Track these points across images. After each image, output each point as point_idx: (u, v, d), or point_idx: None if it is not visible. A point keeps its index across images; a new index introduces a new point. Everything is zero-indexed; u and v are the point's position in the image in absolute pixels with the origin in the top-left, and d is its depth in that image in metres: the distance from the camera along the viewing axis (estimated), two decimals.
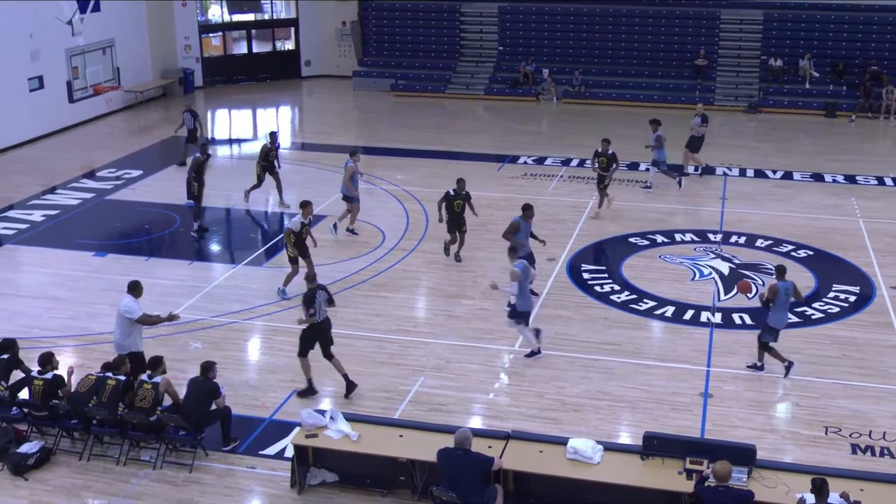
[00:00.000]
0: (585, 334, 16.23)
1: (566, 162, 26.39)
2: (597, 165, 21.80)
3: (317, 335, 14.00)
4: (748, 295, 16.93)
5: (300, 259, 17.35)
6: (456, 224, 19.16)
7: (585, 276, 18.71)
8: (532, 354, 15.28)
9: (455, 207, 19.00)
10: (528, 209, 17.64)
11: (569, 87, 34.73)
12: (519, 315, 15.13)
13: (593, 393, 14.30)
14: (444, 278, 18.54)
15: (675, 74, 34.89)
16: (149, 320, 13.65)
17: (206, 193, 21.08)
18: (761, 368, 14.85)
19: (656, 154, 23.50)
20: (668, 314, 16.96)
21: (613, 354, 15.50)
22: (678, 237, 20.76)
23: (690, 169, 25.28)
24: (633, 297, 17.67)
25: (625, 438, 13.11)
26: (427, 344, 15.90)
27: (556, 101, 34.62)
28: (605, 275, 18.76)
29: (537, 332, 15.38)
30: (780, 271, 14.66)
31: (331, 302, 14.66)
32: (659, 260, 19.50)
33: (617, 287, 18.14)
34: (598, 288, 18.13)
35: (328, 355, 14.09)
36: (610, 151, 21.70)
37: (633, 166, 25.74)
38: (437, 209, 19.18)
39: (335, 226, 20.69)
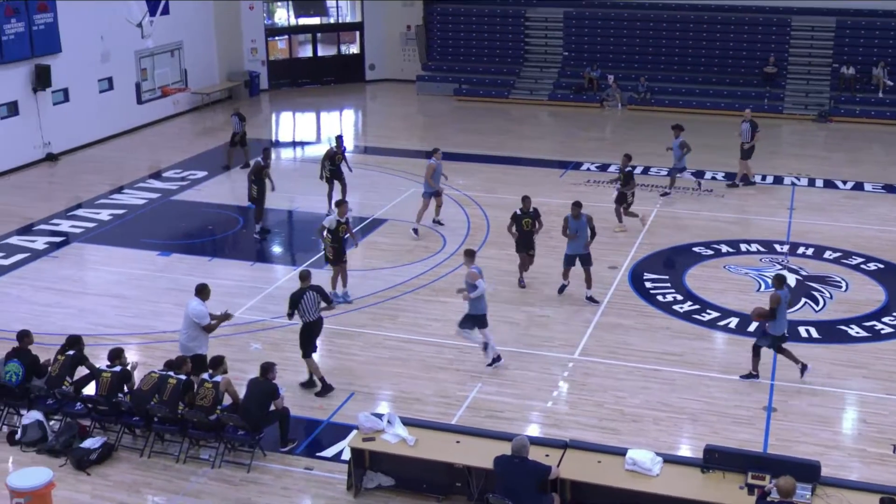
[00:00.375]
0: (646, 344, 16.09)
1: (622, 169, 26.11)
2: (618, 184, 21.29)
3: (307, 335, 14.31)
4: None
5: (337, 264, 17.42)
6: (525, 244, 18.23)
7: (648, 285, 18.55)
8: (494, 361, 15.23)
9: (524, 226, 18.12)
10: (576, 206, 17.58)
11: (634, 93, 34.48)
12: (471, 319, 15.09)
13: (653, 404, 14.17)
14: (503, 284, 18.50)
15: (744, 82, 34.42)
16: (212, 328, 13.92)
17: (268, 196, 21.32)
18: (756, 377, 14.75)
19: (676, 161, 23.49)
20: (732, 325, 16.73)
21: (675, 365, 15.34)
22: (744, 247, 20.48)
23: (755, 178, 24.98)
24: (696, 307, 17.47)
25: (685, 451, 12.96)
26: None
27: (620, 108, 34.39)
28: (668, 284, 18.58)
29: (486, 346, 15.37)
30: (780, 280, 14.64)
31: (328, 302, 14.63)
32: (723, 270, 19.25)
33: (680, 297, 17.96)
34: (660, 297, 17.97)
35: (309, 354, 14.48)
36: (628, 169, 21.18)
37: (699, 174, 25.45)
38: (508, 233, 18.29)
39: (416, 230, 21.11)
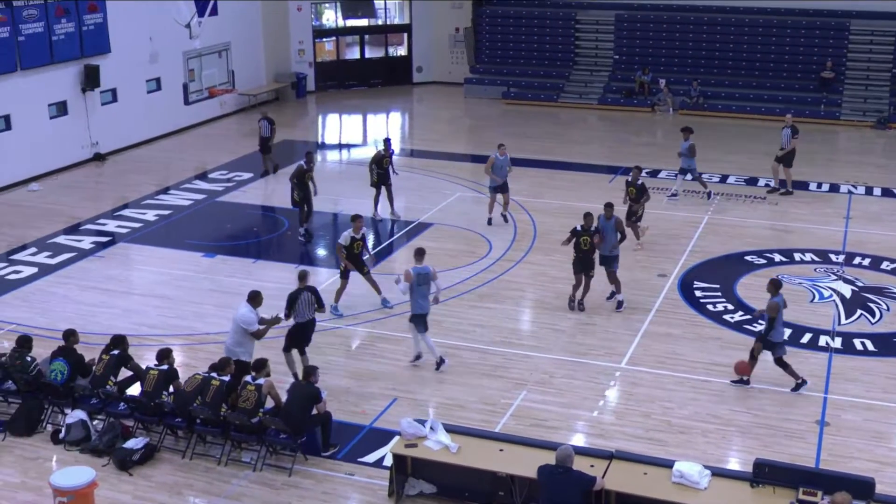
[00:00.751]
0: (696, 354, 15.94)
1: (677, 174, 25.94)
2: (627, 197, 20.47)
3: (300, 334, 14.60)
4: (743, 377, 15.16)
5: (356, 273, 17.42)
6: (583, 265, 17.36)
7: (698, 293, 18.38)
8: (440, 364, 15.31)
9: (582, 245, 17.26)
10: (608, 207, 17.62)
11: (686, 98, 34.20)
12: (413, 318, 15.25)
13: (702, 415, 14.03)
14: (549, 291, 18.43)
15: (799, 87, 33.99)
16: (260, 334, 14.05)
17: (313, 198, 21.46)
18: (805, 382, 14.67)
19: (684, 163, 23.47)
20: (784, 337, 16.49)
21: (724, 376, 15.17)
22: (797, 256, 20.21)
23: (773, 183, 24.76)
24: (748, 317, 17.26)
25: (734, 464, 12.83)
26: (530, 357, 15.84)
27: (672, 113, 34.12)
28: (719, 293, 18.39)
29: (418, 357, 15.46)
30: (775, 286, 14.66)
31: (319, 305, 14.75)
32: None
33: (731, 306, 17.77)
34: (710, 306, 17.79)
35: (301, 352, 14.79)
36: (640, 182, 20.44)
37: (752, 181, 25.17)
38: (562, 245, 17.77)
39: (490, 220, 21.80)
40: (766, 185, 24.77)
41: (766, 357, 15.97)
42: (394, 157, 23.07)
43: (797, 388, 14.63)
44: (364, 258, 17.62)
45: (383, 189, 22.48)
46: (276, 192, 24.91)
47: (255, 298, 14.18)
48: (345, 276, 17.32)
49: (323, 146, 30.78)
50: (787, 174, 24.35)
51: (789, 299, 17.88)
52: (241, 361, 13.64)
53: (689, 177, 23.72)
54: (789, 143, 24.17)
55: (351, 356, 16.13)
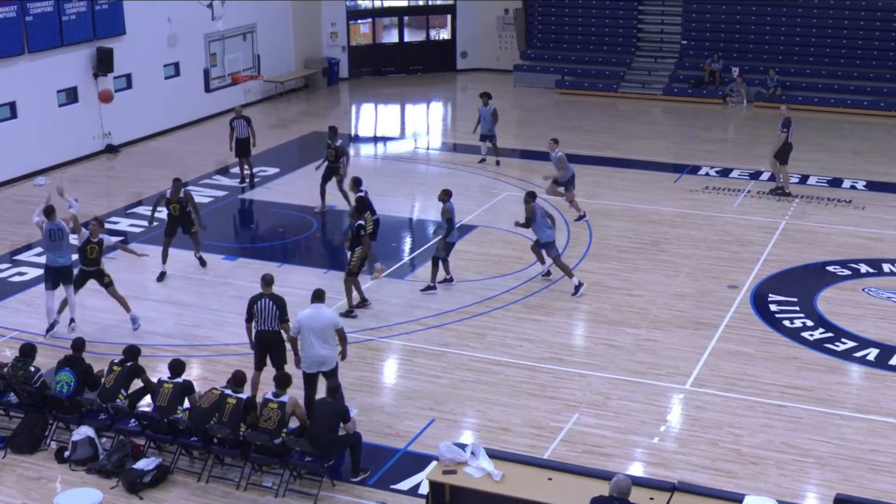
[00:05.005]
0: (770, 375, 15.83)
1: (755, 175, 25.81)
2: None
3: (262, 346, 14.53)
4: None
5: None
6: None
7: (773, 307, 18.25)
8: None
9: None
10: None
11: (762, 88, 33.96)
12: None
13: (776, 444, 13.94)
14: (605, 303, 18.40)
15: (891, 77, 33.60)
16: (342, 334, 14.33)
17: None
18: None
19: (484, 128, 26.31)
20: (871, 357, 16.36)
21: (802, 401, 15.07)
22: (886, 267, 20.01)
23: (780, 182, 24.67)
24: (829, 335, 17.13)
25: (811, 500, 12.76)
26: (584, 376, 15.81)
27: (745, 105, 33.90)
28: (797, 307, 18.25)
29: None
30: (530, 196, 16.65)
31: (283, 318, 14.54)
32: (862, 293, 18.84)
33: (810, 322, 17.63)
34: (787, 322, 17.66)
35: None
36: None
37: (835, 183, 24.95)
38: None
39: (579, 217, 22.39)
40: (777, 188, 24.52)
41: (849, 380, 15.85)
42: (431, 152, 23.09)
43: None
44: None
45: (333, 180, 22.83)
46: (305, 189, 25.05)
47: (322, 297, 14.33)
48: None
49: (356, 139, 30.93)
50: (785, 172, 24.25)
51: (876, 315, 17.80)
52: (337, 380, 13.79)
53: (488, 144, 26.43)
54: (790, 136, 24.02)
55: (384, 372, 16.18)
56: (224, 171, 26.75)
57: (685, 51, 36.45)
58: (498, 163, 26.61)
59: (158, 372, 14.87)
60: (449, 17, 39.98)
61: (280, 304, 14.51)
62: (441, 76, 39.28)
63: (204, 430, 13.04)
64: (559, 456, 13.46)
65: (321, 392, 13.62)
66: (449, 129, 33.35)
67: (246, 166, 25.54)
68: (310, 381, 14.09)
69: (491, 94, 26.81)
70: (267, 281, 14.79)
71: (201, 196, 24.61)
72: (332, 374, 13.80)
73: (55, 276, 17.04)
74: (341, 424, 12.87)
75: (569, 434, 14.19)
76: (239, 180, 25.76)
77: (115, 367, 13.89)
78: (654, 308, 17.94)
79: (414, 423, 14.47)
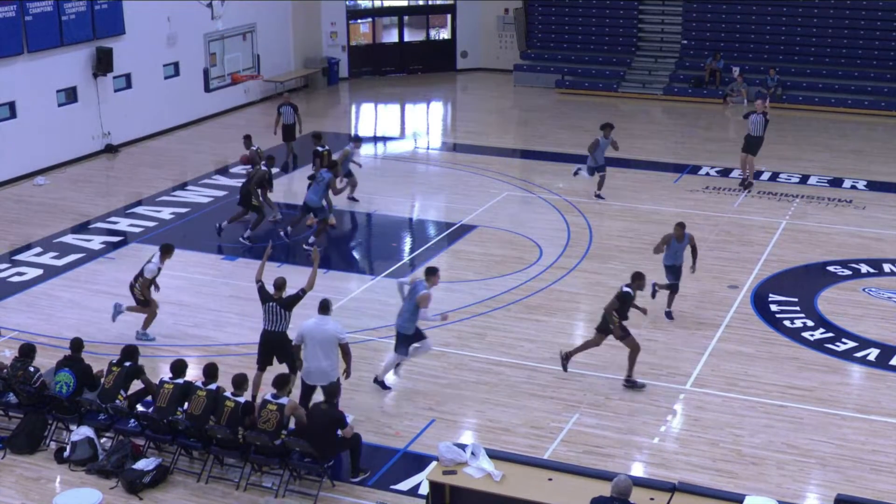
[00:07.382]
0: (770, 376, 15.82)
1: (756, 175, 25.79)
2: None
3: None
4: None
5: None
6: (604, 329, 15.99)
7: (773, 308, 18.25)
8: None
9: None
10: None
11: (762, 88, 33.95)
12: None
13: (777, 445, 13.94)
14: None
15: (891, 77, 33.58)
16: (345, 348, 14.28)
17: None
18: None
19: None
20: (872, 357, 16.37)
21: (803, 401, 15.06)
22: (887, 267, 20.00)
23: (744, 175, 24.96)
24: (830, 335, 17.13)
25: (812, 501, 12.75)
26: (584, 376, 15.80)
27: (746, 105, 33.86)
28: (797, 307, 18.25)
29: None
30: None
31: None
32: (862, 293, 18.84)
33: (811, 322, 17.63)
34: (787, 322, 17.66)
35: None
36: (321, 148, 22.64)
37: (836, 183, 24.95)
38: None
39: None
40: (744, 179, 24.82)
41: (850, 380, 15.85)
42: (432, 152, 23.06)
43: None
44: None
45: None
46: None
47: (328, 308, 14.32)
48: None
49: (356, 139, 30.83)
50: (751, 164, 24.69)
51: (877, 315, 17.80)
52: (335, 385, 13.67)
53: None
54: (760, 131, 24.31)
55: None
56: (224, 171, 26.73)
57: (685, 51, 36.44)
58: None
59: (158, 372, 14.87)
60: (449, 16, 39.97)
61: (289, 307, 14.75)
62: (441, 76, 39.26)
63: (203, 430, 13.01)
64: (559, 456, 13.46)
65: (319, 395, 13.60)
66: (449, 129, 33.32)
67: (291, 153, 26.97)
68: (306, 395, 14.03)
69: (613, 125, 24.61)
70: (278, 285, 14.92)
71: (201, 196, 24.64)
72: (331, 389, 13.45)
73: None
74: (339, 432, 12.85)
75: (569, 434, 14.18)
76: (283, 163, 26.50)
77: (114, 368, 13.86)
78: (654, 307, 17.93)
79: (414, 423, 14.46)
